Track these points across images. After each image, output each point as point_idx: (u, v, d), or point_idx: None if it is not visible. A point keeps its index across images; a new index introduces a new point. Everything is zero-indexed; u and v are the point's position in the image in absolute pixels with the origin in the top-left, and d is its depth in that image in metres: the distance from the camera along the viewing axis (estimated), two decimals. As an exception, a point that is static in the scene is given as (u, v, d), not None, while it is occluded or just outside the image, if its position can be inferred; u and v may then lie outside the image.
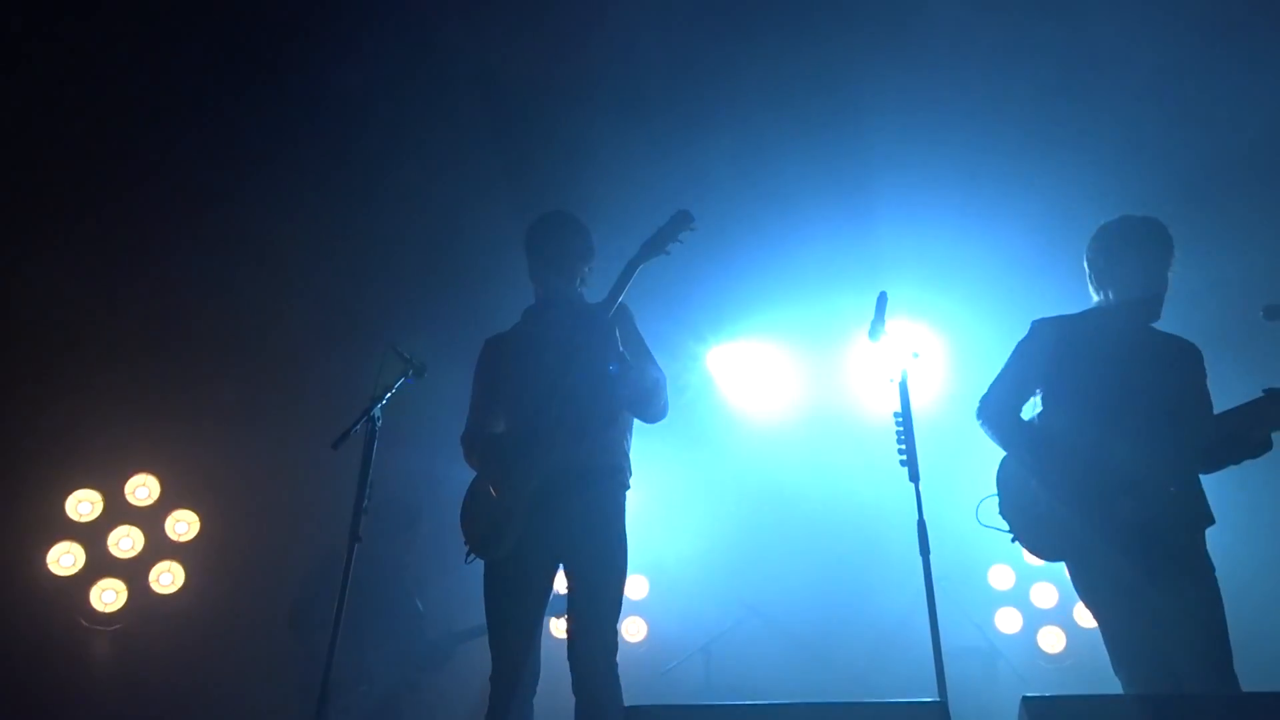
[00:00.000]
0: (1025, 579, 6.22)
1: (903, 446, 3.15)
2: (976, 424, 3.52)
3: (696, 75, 5.39)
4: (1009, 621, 6.13)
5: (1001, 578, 6.23)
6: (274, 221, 5.71)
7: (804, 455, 6.23)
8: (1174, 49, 4.90)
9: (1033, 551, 3.36)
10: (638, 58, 5.29)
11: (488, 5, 5.24)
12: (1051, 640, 6.05)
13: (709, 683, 5.70)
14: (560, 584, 3.49)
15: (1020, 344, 3.52)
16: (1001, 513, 3.38)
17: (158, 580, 5.81)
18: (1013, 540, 3.35)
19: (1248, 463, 3.19)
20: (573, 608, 3.33)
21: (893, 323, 3.32)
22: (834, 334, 6.05)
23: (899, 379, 3.26)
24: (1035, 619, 6.14)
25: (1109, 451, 3.16)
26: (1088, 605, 3.30)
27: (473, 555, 3.42)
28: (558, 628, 5.27)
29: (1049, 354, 3.42)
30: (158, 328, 5.94)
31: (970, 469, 5.99)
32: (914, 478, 3.10)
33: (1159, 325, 3.43)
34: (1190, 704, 2.61)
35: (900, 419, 3.19)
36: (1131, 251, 3.39)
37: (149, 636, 5.68)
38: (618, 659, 3.30)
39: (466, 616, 4.97)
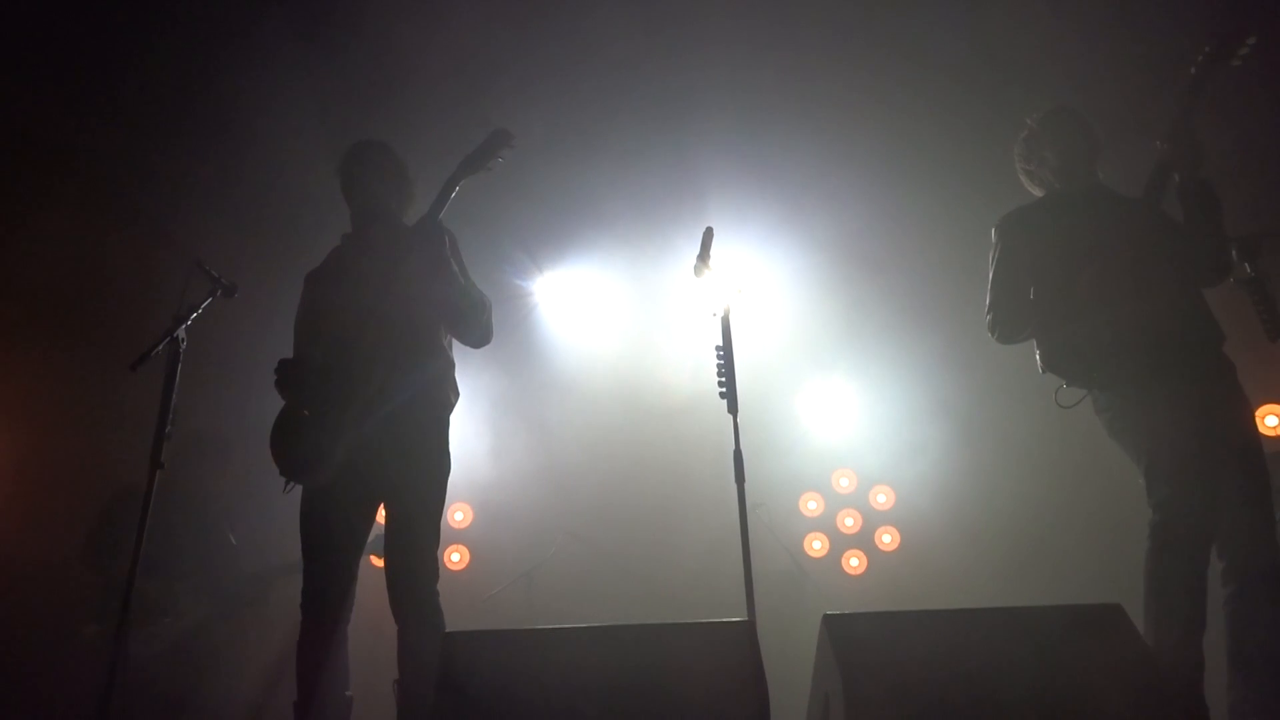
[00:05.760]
0: (833, 506, 6.59)
1: (723, 379, 3.24)
2: (992, 338, 3.62)
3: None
4: (817, 546, 6.50)
5: (811, 505, 6.58)
6: (74, 132, 5.28)
7: (628, 385, 6.33)
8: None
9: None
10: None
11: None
12: (854, 563, 6.46)
13: (531, 608, 5.79)
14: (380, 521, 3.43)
15: (995, 248, 3.66)
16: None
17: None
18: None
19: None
20: (391, 536, 3.29)
21: (718, 259, 3.39)
22: (662, 268, 6.13)
23: (722, 313, 3.35)
24: (840, 544, 6.52)
25: (1111, 299, 3.27)
26: (1133, 432, 3.30)
27: (291, 484, 3.31)
28: (377, 561, 5.20)
29: (1022, 242, 3.58)
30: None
31: (785, 405, 6.38)
32: (732, 409, 3.21)
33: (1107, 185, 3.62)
34: (971, 617, 2.78)
35: (721, 352, 3.28)
36: (1049, 145, 3.63)
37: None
38: (438, 587, 3.29)
39: (283, 551, 4.82)
